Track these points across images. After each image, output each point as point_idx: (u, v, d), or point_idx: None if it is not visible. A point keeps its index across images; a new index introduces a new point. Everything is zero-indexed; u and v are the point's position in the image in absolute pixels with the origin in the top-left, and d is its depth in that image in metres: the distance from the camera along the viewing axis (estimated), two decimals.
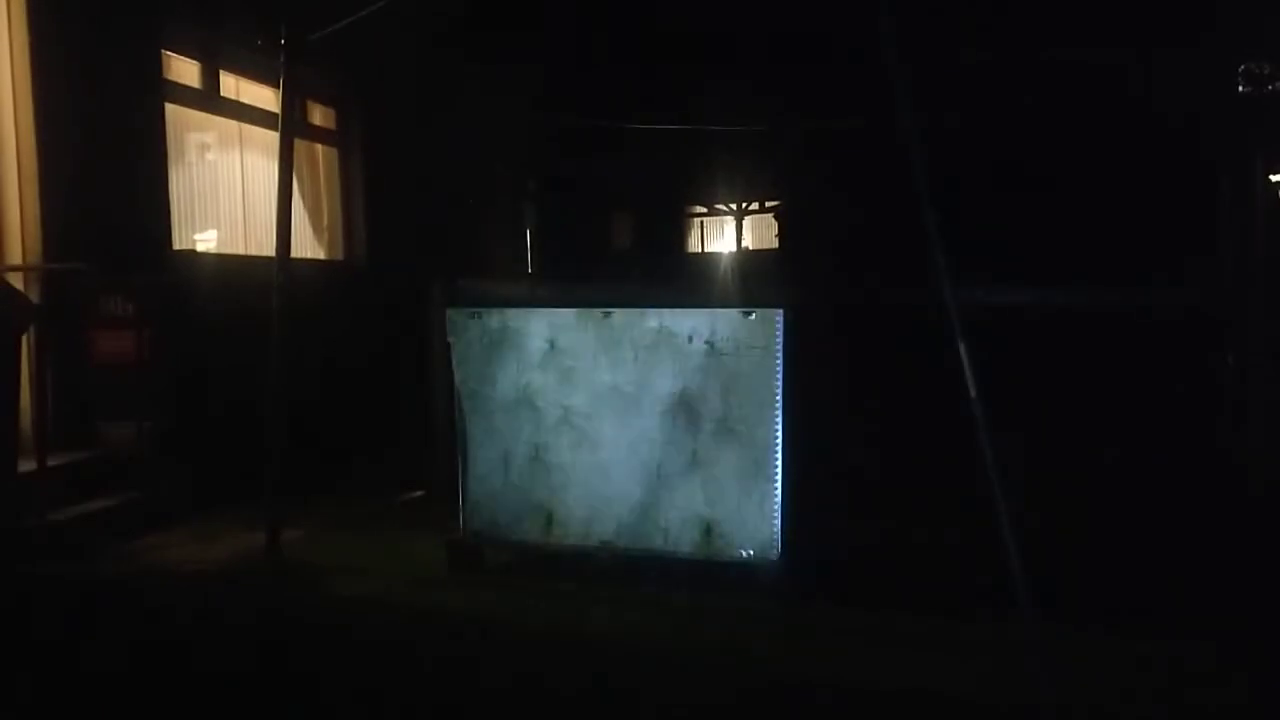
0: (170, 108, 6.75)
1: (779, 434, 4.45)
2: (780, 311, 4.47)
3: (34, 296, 5.56)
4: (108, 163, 6.08)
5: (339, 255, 8.87)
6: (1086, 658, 3.77)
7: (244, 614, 4.42)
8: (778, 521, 4.46)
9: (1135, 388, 7.75)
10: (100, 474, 5.61)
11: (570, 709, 3.45)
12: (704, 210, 19.11)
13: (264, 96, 7.66)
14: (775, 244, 17.29)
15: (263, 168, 7.70)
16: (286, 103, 5.20)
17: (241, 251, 7.64)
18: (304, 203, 8.41)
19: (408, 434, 6.75)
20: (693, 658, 3.83)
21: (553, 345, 4.72)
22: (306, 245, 8.47)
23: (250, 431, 5.48)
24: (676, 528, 4.59)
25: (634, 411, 4.62)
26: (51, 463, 5.25)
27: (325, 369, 7.40)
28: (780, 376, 4.44)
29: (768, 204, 17.96)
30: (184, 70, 7.00)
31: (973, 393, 3.79)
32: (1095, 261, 9.85)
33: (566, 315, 4.75)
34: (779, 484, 4.45)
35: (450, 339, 4.87)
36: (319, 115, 8.71)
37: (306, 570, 4.97)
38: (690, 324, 4.56)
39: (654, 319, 4.62)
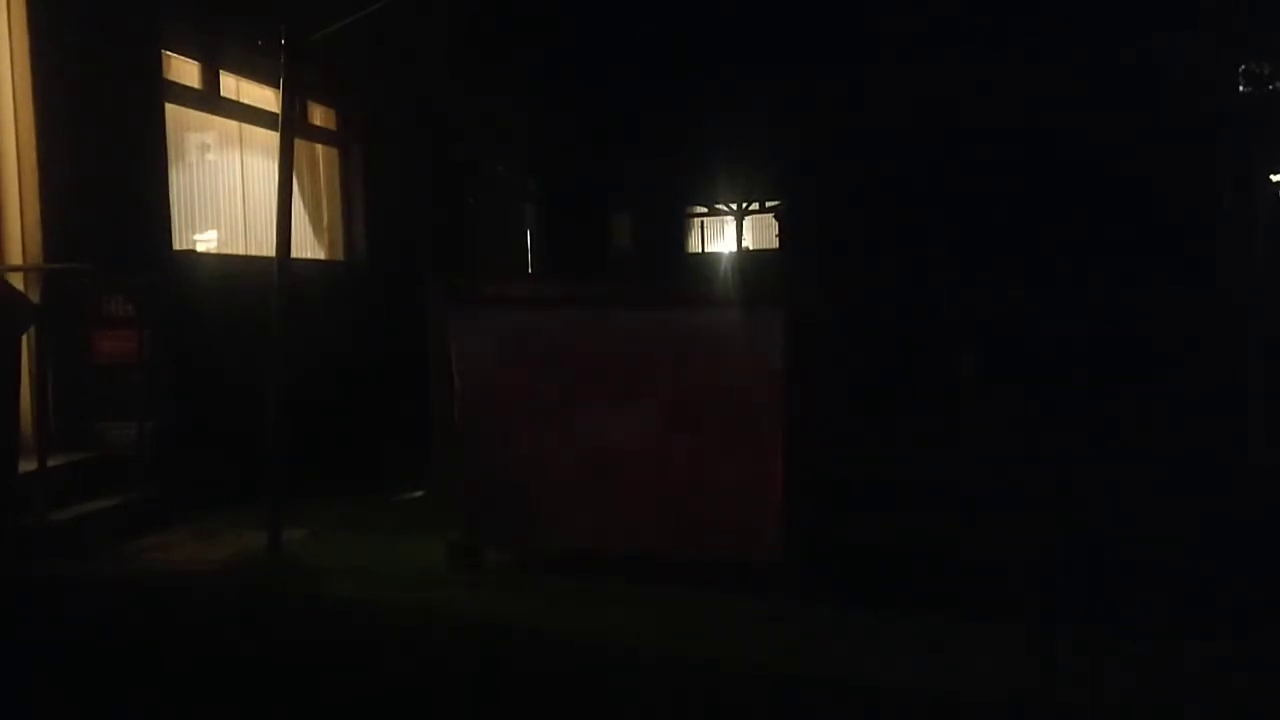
0: (170, 108, 6.74)
1: (779, 433, 4.44)
2: (781, 311, 4.46)
3: (34, 297, 5.55)
4: (108, 163, 6.08)
5: (339, 255, 8.87)
6: (1088, 658, 3.77)
7: (245, 613, 4.42)
8: (778, 521, 4.45)
9: (1134, 384, 7.76)
10: (101, 474, 5.60)
11: (569, 708, 3.45)
12: (704, 210, 19.10)
13: (264, 96, 7.65)
14: (776, 244, 17.28)
15: (263, 168, 7.70)
16: (286, 103, 5.20)
17: (242, 251, 7.64)
18: (304, 203, 8.41)
19: (408, 434, 6.75)
20: (693, 658, 3.82)
21: (553, 344, 4.71)
22: (307, 245, 8.47)
23: (251, 431, 5.48)
24: (677, 528, 4.58)
25: (634, 411, 4.61)
26: (52, 462, 5.25)
27: (325, 369, 7.40)
28: (781, 376, 4.44)
29: (768, 204, 17.95)
30: (184, 70, 7.00)
31: (974, 391, 3.79)
32: (1097, 260, 9.85)
33: (567, 314, 4.75)
34: (779, 483, 4.44)
35: (450, 338, 4.87)
36: (319, 115, 8.71)
37: (307, 570, 4.97)
38: (691, 323, 4.56)
39: (654, 318, 4.61)
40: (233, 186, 7.65)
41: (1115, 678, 3.60)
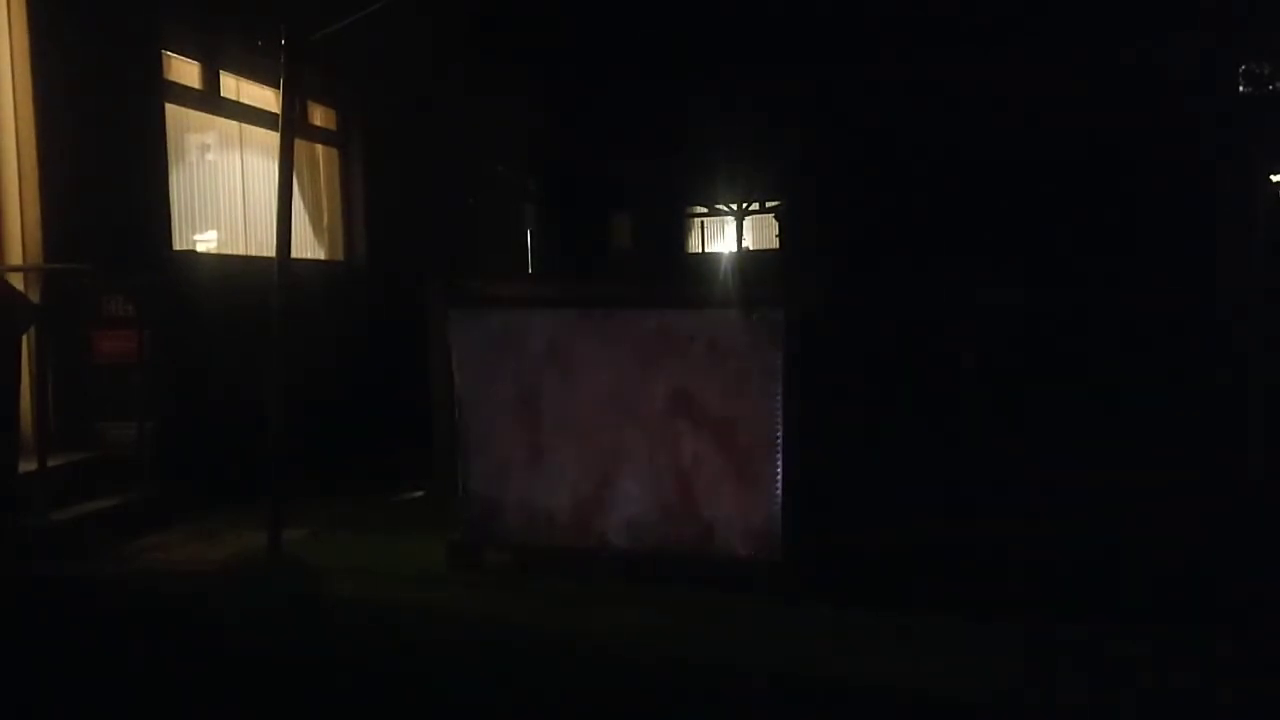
0: (170, 108, 6.75)
1: (779, 434, 4.45)
2: (781, 311, 4.47)
3: (34, 297, 5.55)
4: (108, 163, 6.08)
5: (339, 255, 8.87)
6: (1088, 659, 3.77)
7: (244, 613, 4.42)
8: (778, 521, 4.46)
9: (1133, 382, 7.76)
10: (101, 474, 5.61)
11: (569, 708, 3.45)
12: (704, 210, 19.10)
13: (264, 97, 7.66)
14: (776, 244, 17.28)
15: (263, 168, 7.70)
16: (287, 103, 5.20)
17: (242, 252, 7.64)
18: (304, 203, 8.41)
19: (408, 434, 6.75)
20: (693, 658, 3.83)
21: (553, 344, 4.71)
22: (307, 245, 8.48)
23: (250, 431, 5.49)
24: (677, 527, 4.59)
25: (634, 411, 4.62)
26: (52, 462, 5.26)
27: (325, 369, 7.40)
28: (781, 376, 4.44)
29: (768, 204, 17.95)
30: (184, 71, 7.00)
31: (974, 391, 3.79)
32: (1097, 260, 9.86)
33: (567, 314, 4.75)
34: (779, 484, 4.45)
35: (450, 338, 4.87)
36: (319, 116, 8.72)
37: (307, 570, 4.97)
38: (691, 324, 4.56)
39: (655, 318, 4.62)
40: (233, 186, 7.65)
41: (1115, 678, 3.60)
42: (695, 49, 12.05)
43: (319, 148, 8.69)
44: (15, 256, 5.75)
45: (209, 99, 7.23)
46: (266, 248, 6.25)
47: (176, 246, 6.75)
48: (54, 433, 5.55)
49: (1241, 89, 10.02)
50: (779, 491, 4.45)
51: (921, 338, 8.48)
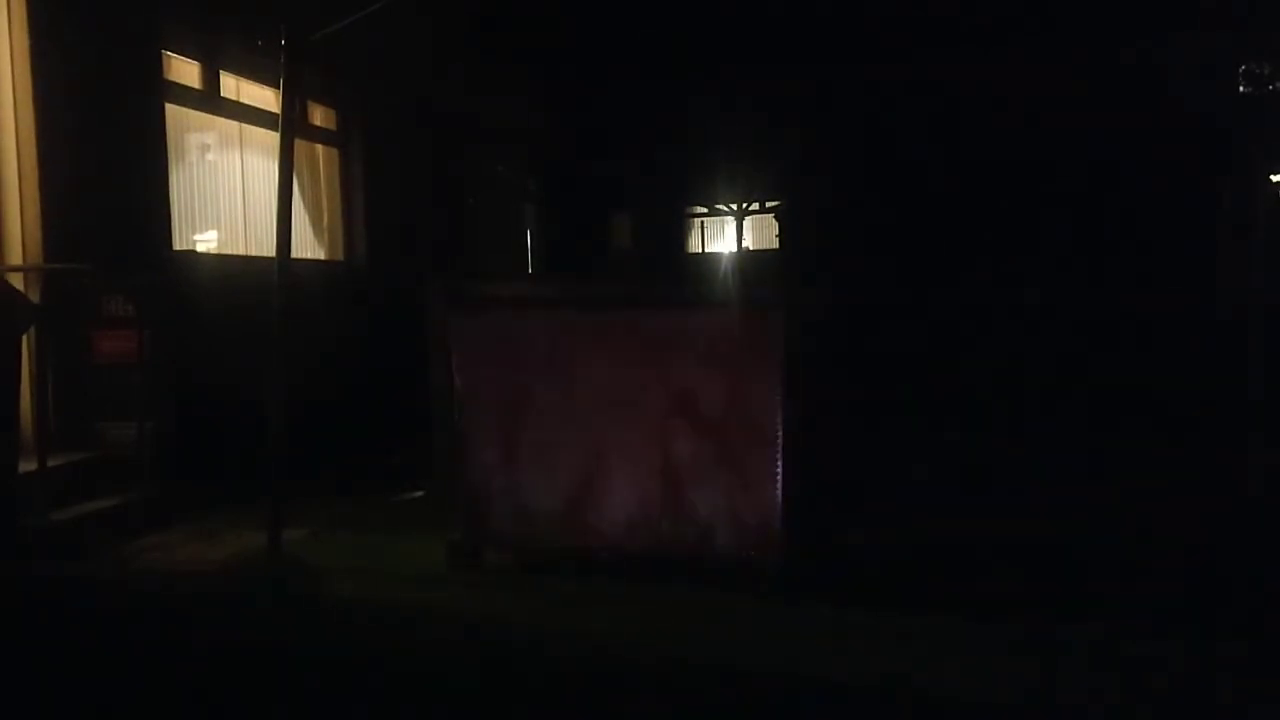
0: (170, 108, 6.75)
1: (779, 434, 4.44)
2: (781, 311, 4.47)
3: (34, 297, 5.55)
4: (108, 163, 6.08)
5: (339, 255, 8.87)
6: (1088, 659, 3.77)
7: (244, 613, 4.42)
8: (778, 521, 4.45)
9: (1134, 382, 7.76)
10: (101, 474, 5.61)
11: (570, 709, 3.45)
12: (704, 210, 19.10)
13: (264, 97, 7.66)
14: (776, 244, 17.28)
15: (263, 168, 7.70)
16: (287, 103, 5.20)
17: (242, 252, 7.64)
18: (304, 203, 8.41)
19: (408, 434, 6.75)
20: (694, 658, 3.82)
21: (553, 344, 4.71)
22: (307, 245, 8.48)
23: (251, 431, 5.48)
24: (677, 528, 4.58)
25: (634, 411, 4.61)
26: (52, 463, 5.25)
27: (325, 369, 7.40)
28: (781, 376, 4.44)
29: (768, 204, 17.95)
30: (184, 71, 7.00)
31: (972, 391, 3.79)
32: (1097, 260, 9.86)
33: (567, 314, 4.75)
34: (779, 484, 4.45)
35: (450, 338, 4.87)
36: (319, 116, 8.71)
37: (307, 570, 4.97)
38: (691, 324, 4.57)
39: (655, 318, 4.62)
40: (233, 186, 7.65)
41: (1115, 678, 3.60)
42: (695, 49, 12.05)
43: (319, 148, 8.69)
44: (15, 256, 5.75)
45: (209, 99, 7.23)
46: (266, 248, 6.25)
47: (176, 246, 6.75)
48: (54, 433, 5.54)
49: (1241, 89, 10.03)
50: (779, 491, 4.45)
51: (922, 337, 8.48)
